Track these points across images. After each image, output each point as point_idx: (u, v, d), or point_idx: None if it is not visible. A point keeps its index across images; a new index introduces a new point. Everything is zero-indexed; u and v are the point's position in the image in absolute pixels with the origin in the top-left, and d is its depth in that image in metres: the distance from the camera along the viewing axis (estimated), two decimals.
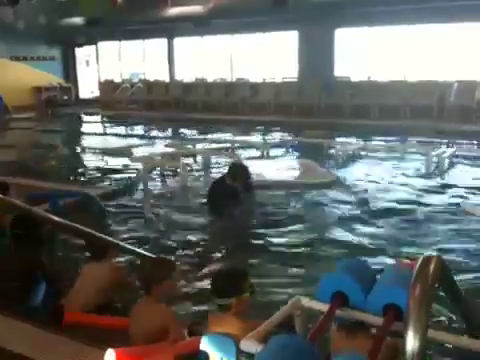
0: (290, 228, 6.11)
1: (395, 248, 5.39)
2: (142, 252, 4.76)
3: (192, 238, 5.88)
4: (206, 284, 4.29)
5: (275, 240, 5.75)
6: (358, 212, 6.72)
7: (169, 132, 15.42)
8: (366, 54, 16.84)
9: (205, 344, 2.70)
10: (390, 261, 4.95)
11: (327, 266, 4.43)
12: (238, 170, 6.63)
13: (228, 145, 11.69)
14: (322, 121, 14.75)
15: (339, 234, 5.89)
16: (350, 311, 2.48)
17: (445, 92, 14.89)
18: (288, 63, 18.10)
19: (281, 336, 2.03)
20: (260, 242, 5.69)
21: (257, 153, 10.89)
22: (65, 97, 22.23)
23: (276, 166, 9.81)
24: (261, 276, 4.74)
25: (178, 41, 20.86)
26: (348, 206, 6.98)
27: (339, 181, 8.22)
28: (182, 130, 15.25)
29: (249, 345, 2.20)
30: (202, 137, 13.62)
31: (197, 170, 9.62)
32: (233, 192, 6.35)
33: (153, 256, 4.61)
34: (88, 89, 24.04)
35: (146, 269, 3.40)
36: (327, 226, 6.18)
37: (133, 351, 2.90)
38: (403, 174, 8.79)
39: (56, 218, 4.25)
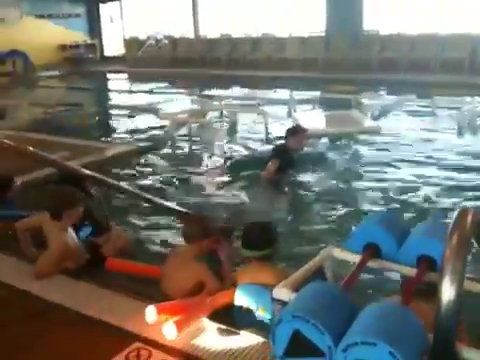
0: (324, 178, 6.08)
1: (430, 202, 5.33)
2: (179, 208, 4.77)
3: (216, 194, 5.89)
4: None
5: (308, 190, 5.73)
6: (394, 165, 6.70)
7: (194, 89, 15.29)
8: (396, 6, 16.30)
9: (240, 295, 2.72)
10: (425, 214, 4.91)
11: (360, 217, 4.40)
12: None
13: (254, 101, 11.56)
14: (350, 76, 14.46)
15: (374, 186, 5.86)
16: (382, 262, 2.46)
17: (478, 45, 14.42)
18: (315, 17, 17.64)
19: (315, 283, 2.03)
20: (293, 192, 5.65)
21: (284, 109, 10.75)
22: (90, 55, 22.15)
23: (321, 116, 9.97)
24: (293, 226, 4.73)
25: None
26: (384, 159, 6.96)
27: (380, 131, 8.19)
28: (207, 86, 15.11)
29: (282, 293, 2.21)
30: (228, 93, 13.47)
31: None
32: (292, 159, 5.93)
33: (191, 212, 4.61)
34: (113, 46, 23.86)
35: (194, 226, 3.38)
36: (363, 178, 6.17)
37: (172, 305, 2.95)
38: (435, 129, 8.62)
39: (89, 172, 4.31)
